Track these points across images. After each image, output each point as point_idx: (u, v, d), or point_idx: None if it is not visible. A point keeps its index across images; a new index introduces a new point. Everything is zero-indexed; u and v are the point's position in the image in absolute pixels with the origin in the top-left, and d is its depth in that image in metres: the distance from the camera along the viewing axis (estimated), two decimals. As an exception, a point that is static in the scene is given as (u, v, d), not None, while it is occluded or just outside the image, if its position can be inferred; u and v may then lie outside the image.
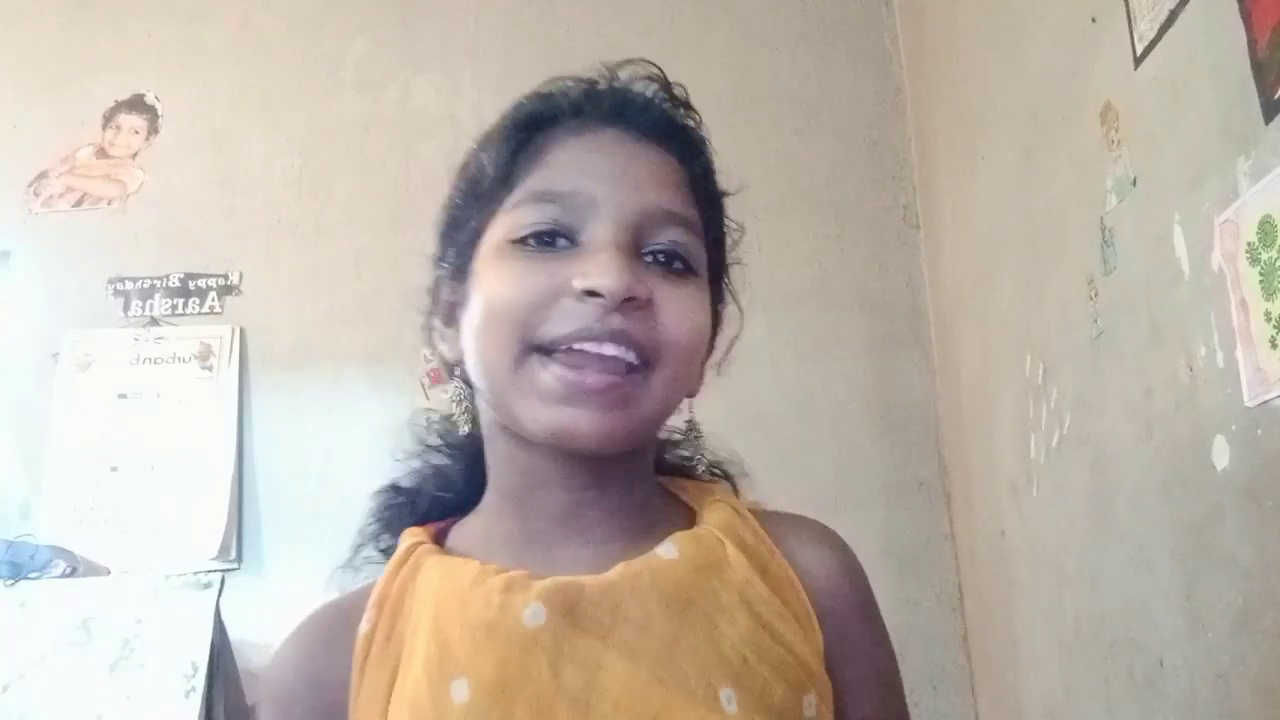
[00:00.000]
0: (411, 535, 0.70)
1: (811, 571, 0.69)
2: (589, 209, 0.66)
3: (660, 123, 0.71)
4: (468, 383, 0.71)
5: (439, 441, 0.77)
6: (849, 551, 0.73)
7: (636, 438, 0.67)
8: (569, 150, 0.68)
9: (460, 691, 0.60)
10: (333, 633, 0.67)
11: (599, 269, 0.63)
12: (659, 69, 0.73)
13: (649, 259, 0.67)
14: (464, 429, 0.71)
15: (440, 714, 0.60)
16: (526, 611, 0.61)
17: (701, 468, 0.76)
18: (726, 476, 0.77)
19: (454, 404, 0.72)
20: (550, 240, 0.66)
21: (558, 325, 0.63)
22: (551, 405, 0.63)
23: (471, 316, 0.67)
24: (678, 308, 0.66)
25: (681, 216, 0.68)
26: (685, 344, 0.67)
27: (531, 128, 0.70)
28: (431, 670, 0.61)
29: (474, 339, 0.67)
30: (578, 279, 0.63)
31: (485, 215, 0.69)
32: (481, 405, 0.71)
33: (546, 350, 0.64)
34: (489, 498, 0.72)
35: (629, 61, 0.73)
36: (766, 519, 0.72)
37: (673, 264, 0.67)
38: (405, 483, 0.76)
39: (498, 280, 0.66)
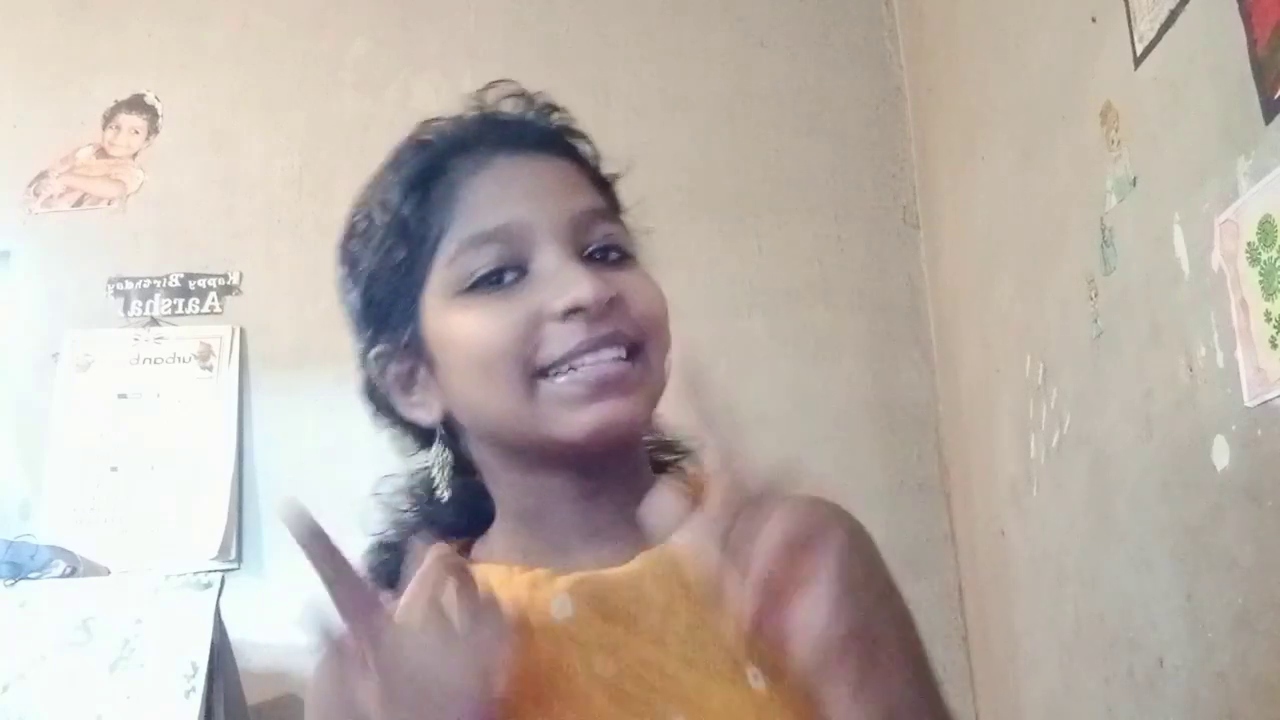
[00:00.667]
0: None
1: None
2: (527, 235, 0.67)
3: (545, 133, 0.73)
4: (448, 435, 0.73)
5: (412, 505, 0.77)
6: (845, 520, 0.72)
7: (650, 417, 0.71)
8: (480, 187, 0.69)
9: None
10: None
11: (571, 285, 0.65)
12: (518, 84, 0.75)
13: (593, 257, 0.69)
14: (444, 494, 0.73)
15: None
16: (554, 604, 0.64)
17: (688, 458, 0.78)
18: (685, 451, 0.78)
19: (436, 469, 0.73)
20: (499, 279, 0.67)
21: (553, 348, 0.65)
22: (583, 406, 0.65)
23: (456, 367, 0.68)
24: (639, 292, 0.69)
25: (604, 210, 0.72)
26: (659, 319, 0.70)
27: (427, 181, 0.70)
28: None
29: (470, 384, 0.68)
30: (556, 301, 0.65)
31: (416, 280, 0.69)
32: (473, 447, 0.73)
33: (548, 372, 0.66)
34: (500, 524, 0.74)
35: (490, 86, 0.74)
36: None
37: (610, 255, 0.70)
38: (392, 539, 0.77)
39: (475, 325, 0.67)
